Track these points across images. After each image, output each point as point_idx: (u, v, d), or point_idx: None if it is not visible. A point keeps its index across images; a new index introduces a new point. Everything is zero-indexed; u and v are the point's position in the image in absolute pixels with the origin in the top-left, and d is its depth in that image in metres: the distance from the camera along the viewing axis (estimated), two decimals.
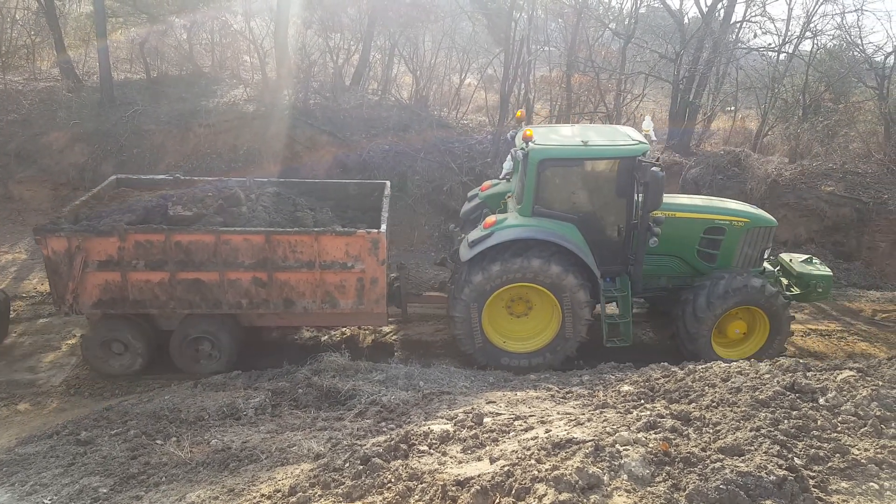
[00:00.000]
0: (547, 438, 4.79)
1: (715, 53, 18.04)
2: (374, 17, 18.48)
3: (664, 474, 4.26)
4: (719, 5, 18.48)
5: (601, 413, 5.56)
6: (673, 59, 18.37)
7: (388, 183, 11.63)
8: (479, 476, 4.52)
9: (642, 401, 6.14)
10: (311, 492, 5.17)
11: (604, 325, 9.72)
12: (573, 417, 5.54)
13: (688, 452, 4.42)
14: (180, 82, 18.45)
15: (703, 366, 6.67)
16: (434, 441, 5.61)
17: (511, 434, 5.37)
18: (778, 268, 11.01)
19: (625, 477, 4.21)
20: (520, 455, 4.64)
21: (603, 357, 9.59)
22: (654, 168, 8.91)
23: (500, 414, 6.09)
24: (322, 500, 5.06)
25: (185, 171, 15.72)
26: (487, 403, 6.77)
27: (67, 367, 10.07)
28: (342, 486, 5.18)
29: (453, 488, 4.51)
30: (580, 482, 4.09)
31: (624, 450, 4.42)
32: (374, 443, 5.86)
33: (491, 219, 9.71)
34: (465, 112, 19.79)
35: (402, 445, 5.61)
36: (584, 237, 9.54)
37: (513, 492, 4.20)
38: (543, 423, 5.53)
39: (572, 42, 19.12)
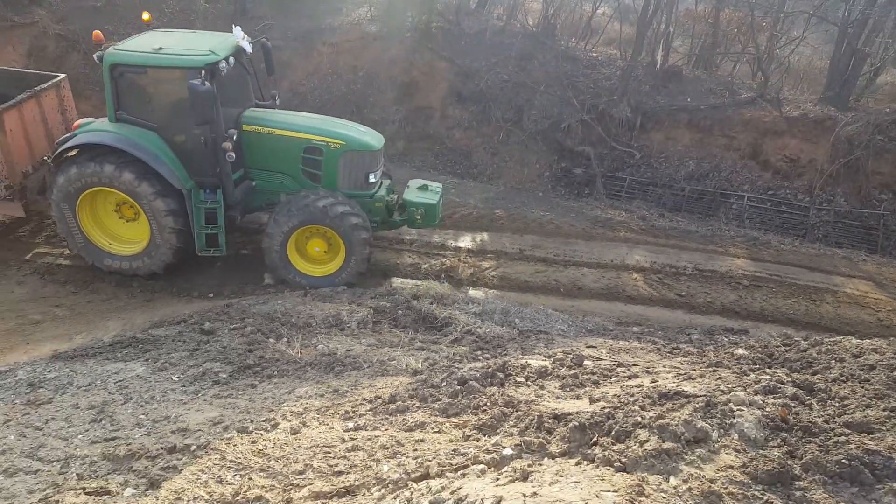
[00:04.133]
0: (653, 388, 4.67)
1: None
2: None
3: (779, 440, 4.06)
4: None
5: (714, 371, 5.35)
6: None
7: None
8: (577, 413, 4.50)
9: (758, 366, 5.84)
10: (409, 402, 5.38)
11: (195, 235, 9.74)
12: (682, 372, 5.37)
13: (809, 422, 4.17)
14: None
15: (832, 339, 6.23)
16: (531, 374, 5.63)
17: (613, 379, 5.29)
18: (394, 193, 11.05)
19: (735, 436, 4.04)
20: (622, 400, 4.57)
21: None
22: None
23: (602, 359, 6.00)
24: (419, 411, 5.25)
25: (307, 89, 16.13)
26: (588, 347, 6.70)
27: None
28: (439, 402, 5.35)
29: (550, 420, 4.53)
30: (686, 434, 3.97)
31: (738, 409, 4.24)
32: (471, 367, 5.96)
33: (78, 122, 9.80)
34: (594, 44, 18.67)
35: (498, 374, 5.68)
36: (167, 146, 9.39)
37: (612, 433, 4.15)
38: (649, 373, 5.40)
39: None
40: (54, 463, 5.07)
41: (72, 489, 4.60)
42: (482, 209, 13.36)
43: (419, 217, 10.55)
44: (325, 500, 4.14)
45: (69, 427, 5.65)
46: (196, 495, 4.40)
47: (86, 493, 4.52)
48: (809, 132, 15.72)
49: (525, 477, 3.79)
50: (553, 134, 15.54)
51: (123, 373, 6.73)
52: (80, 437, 5.49)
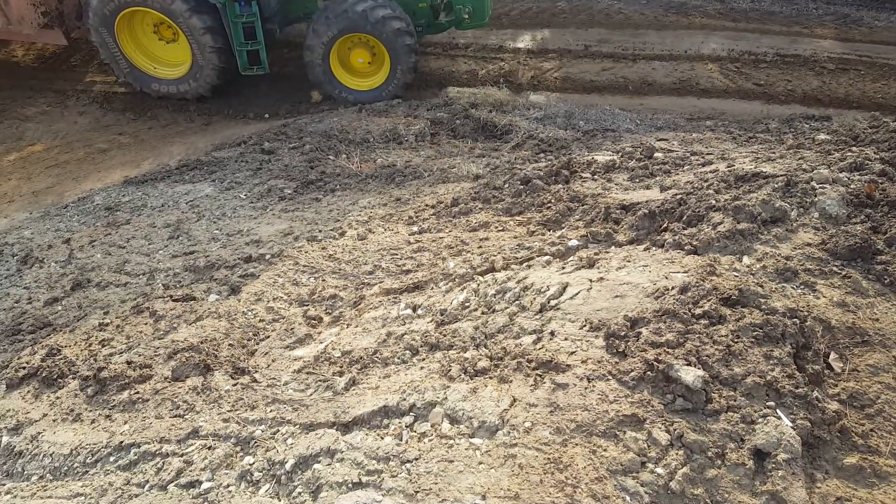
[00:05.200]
0: (729, 171, 4.41)
1: None
2: None
3: (863, 216, 3.83)
4: None
5: (796, 152, 5.00)
6: None
7: None
8: (646, 202, 4.34)
9: (842, 147, 5.42)
10: (472, 204, 5.35)
11: (236, 52, 9.25)
12: (761, 155, 5.04)
13: None
14: None
15: None
16: (598, 169, 5.44)
17: (686, 167, 5.04)
18: None
19: (815, 215, 3.83)
20: (695, 185, 4.36)
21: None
22: None
23: (673, 150, 5.70)
24: (482, 212, 5.23)
25: None
26: (658, 140, 6.35)
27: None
28: (501, 203, 5.29)
29: (617, 211, 4.41)
30: (763, 214, 3.79)
31: (820, 187, 3.98)
32: (535, 167, 5.81)
33: None
34: None
35: (563, 171, 5.51)
36: None
37: (683, 218, 4.01)
38: (724, 159, 5.10)
39: None
40: (140, 276, 5.43)
41: (159, 297, 4.95)
42: (542, 2, 12.31)
43: (467, 17, 9.72)
44: (395, 296, 4.29)
45: (149, 244, 5.97)
46: (275, 296, 4.65)
47: (173, 300, 4.85)
48: None
49: (591, 264, 3.77)
50: None
51: (193, 193, 6.95)
52: (160, 252, 5.81)
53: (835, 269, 3.49)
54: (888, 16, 12.49)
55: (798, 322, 3.03)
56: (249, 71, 9.51)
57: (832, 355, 3.08)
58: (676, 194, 4.28)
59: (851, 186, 4.01)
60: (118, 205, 6.92)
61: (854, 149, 4.87)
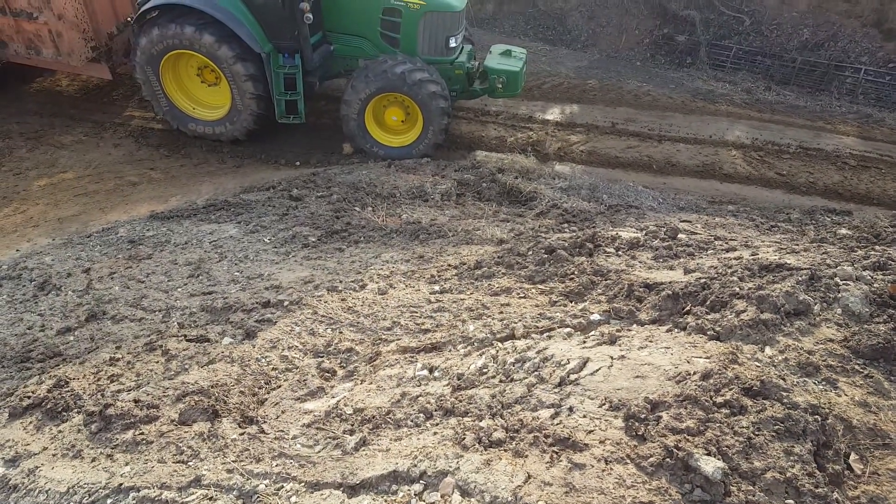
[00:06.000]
0: (753, 260, 4.42)
1: None
2: None
3: (885, 316, 3.79)
4: None
5: (819, 246, 5.01)
6: None
7: None
8: (670, 283, 4.35)
9: (864, 244, 5.43)
10: (494, 269, 5.37)
11: (275, 101, 9.61)
12: (784, 246, 5.05)
13: None
14: None
15: None
16: (622, 245, 5.46)
17: (710, 251, 5.06)
18: (476, 60, 10.54)
19: (839, 311, 3.81)
20: (719, 271, 4.37)
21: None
22: None
23: (697, 233, 5.74)
24: (505, 277, 5.24)
25: None
26: (682, 221, 6.40)
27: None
28: (525, 270, 5.31)
29: (640, 289, 4.41)
30: (787, 306, 3.77)
31: (843, 284, 3.97)
32: (559, 237, 5.85)
33: None
34: None
35: (587, 244, 5.54)
36: (245, 7, 9.08)
37: (707, 303, 4.00)
38: (748, 246, 5.12)
39: None
40: (156, 312, 5.45)
41: (173, 336, 4.95)
42: (574, 79, 12.64)
43: (500, 86, 10.02)
44: (412, 354, 4.27)
45: (169, 281, 6.02)
46: (290, 344, 4.65)
47: (187, 340, 4.85)
48: None
49: (613, 341, 3.75)
50: None
51: (217, 233, 7.04)
52: (179, 290, 5.85)
53: (857, 367, 3.45)
54: None
55: (819, 419, 2.97)
56: (285, 119, 9.80)
57: (853, 456, 3.00)
58: (700, 278, 4.29)
59: (875, 286, 3.99)
60: (142, 238, 7.02)
61: (877, 248, 4.88)
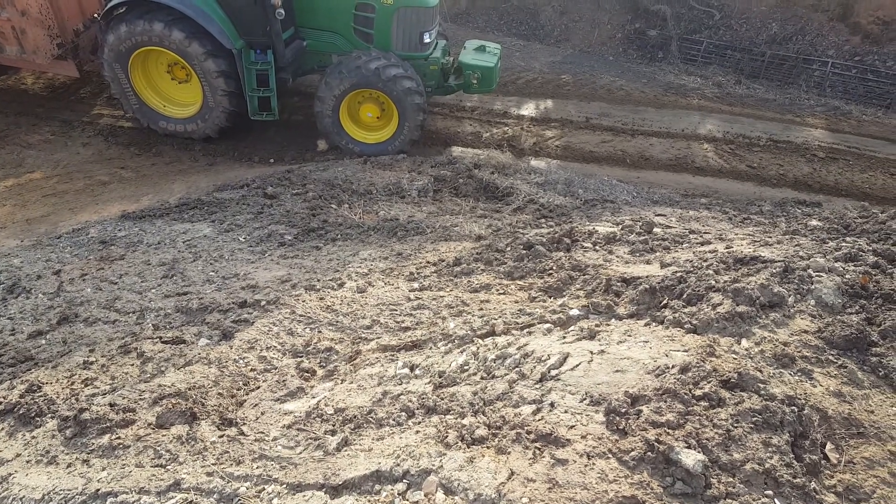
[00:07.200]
0: (728, 253, 4.49)
1: None
2: None
3: (858, 307, 3.88)
4: None
5: (792, 238, 5.10)
6: None
7: None
8: (647, 277, 4.39)
9: (834, 236, 5.55)
10: (473, 265, 5.37)
11: (248, 98, 9.50)
12: (758, 238, 5.14)
13: (890, 289, 3.96)
14: None
15: None
16: (599, 240, 5.50)
17: (685, 245, 5.12)
18: (451, 56, 10.59)
19: (812, 302, 3.89)
20: (695, 264, 4.42)
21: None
22: None
23: (672, 227, 5.80)
24: (484, 274, 5.25)
25: None
26: (657, 215, 6.47)
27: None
28: (503, 266, 5.32)
29: (618, 283, 4.45)
30: (761, 298, 3.83)
31: (816, 276, 4.05)
32: (537, 233, 5.87)
33: None
34: None
35: (565, 239, 5.57)
36: (216, 4, 8.99)
37: (684, 296, 4.04)
38: (722, 239, 5.19)
39: None
40: (130, 314, 5.34)
41: (148, 338, 4.85)
42: (548, 74, 12.71)
43: (475, 81, 10.05)
44: (392, 353, 4.26)
45: (142, 282, 5.91)
46: (268, 345, 4.59)
47: (162, 342, 4.76)
48: None
49: (592, 336, 3.77)
50: None
51: (191, 233, 6.93)
52: (153, 291, 5.74)
53: (831, 357, 3.52)
54: (875, 111, 13.02)
55: (796, 410, 3.03)
56: (259, 116, 9.68)
57: (829, 446, 3.07)
58: (676, 272, 4.33)
59: (846, 276, 4.08)
60: (113, 239, 6.88)
61: (848, 239, 4.98)
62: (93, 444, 3.62)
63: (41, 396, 4.08)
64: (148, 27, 8.90)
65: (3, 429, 3.91)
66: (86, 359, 4.64)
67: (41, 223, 7.85)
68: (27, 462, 3.59)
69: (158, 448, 3.53)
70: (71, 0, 9.78)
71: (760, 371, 3.26)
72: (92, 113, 10.84)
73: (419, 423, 3.35)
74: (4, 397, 4.10)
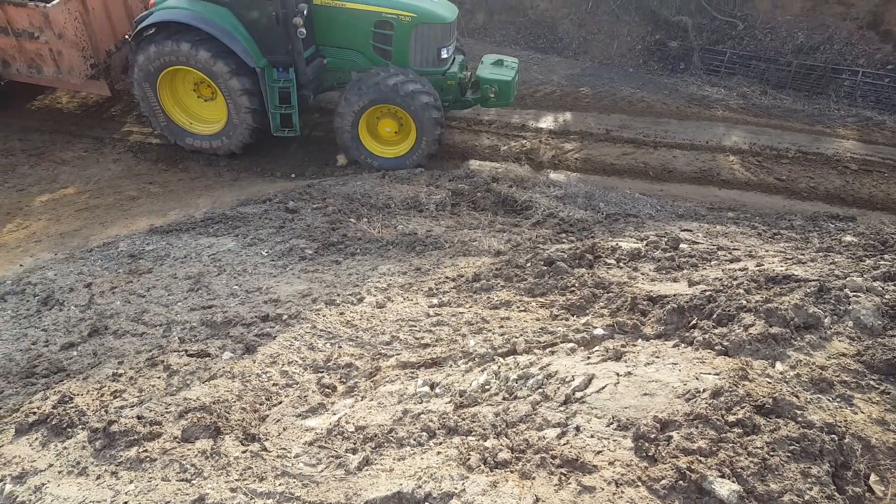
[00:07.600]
0: (759, 271, 4.37)
1: None
2: None
3: None
4: None
5: (826, 255, 4.96)
6: None
7: None
8: (674, 296, 4.29)
9: (871, 252, 5.39)
10: (493, 281, 5.31)
11: (270, 114, 9.65)
12: (790, 256, 5.00)
13: None
14: None
15: None
16: (623, 256, 5.41)
17: (713, 262, 5.00)
18: (468, 70, 10.61)
19: (850, 324, 3.76)
20: (725, 283, 4.31)
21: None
22: None
23: (699, 243, 5.69)
24: (504, 290, 5.18)
25: None
26: (682, 230, 6.36)
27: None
28: (524, 282, 5.26)
29: (644, 302, 4.35)
30: (796, 319, 3.71)
31: (854, 296, 3.92)
32: (558, 249, 5.79)
33: None
34: None
35: (587, 255, 5.49)
36: (240, 23, 9.17)
37: (714, 316, 3.94)
38: (753, 256, 5.07)
39: None
40: (157, 327, 5.38)
41: (175, 351, 4.88)
42: (566, 87, 12.63)
43: (493, 95, 10.05)
44: (412, 370, 4.21)
45: (169, 295, 5.95)
46: (290, 359, 4.58)
47: (188, 355, 4.79)
48: None
49: (618, 357, 3.69)
50: (647, 2, 14.21)
51: (216, 247, 6.98)
52: (179, 304, 5.78)
53: (872, 383, 3.39)
54: None
55: (836, 438, 2.91)
56: (281, 132, 9.82)
57: (873, 477, 2.94)
58: (705, 290, 4.23)
59: (886, 297, 3.95)
60: (142, 253, 6.96)
61: (886, 256, 4.83)
62: (121, 456, 3.63)
63: (72, 407, 4.12)
64: (176, 47, 9.12)
65: (37, 439, 3.95)
66: (115, 371, 4.69)
67: (74, 237, 8.00)
68: (59, 472, 3.62)
69: (184, 462, 3.53)
70: (103, 22, 10.13)
71: (797, 396, 3.14)
72: (122, 130, 11.05)
73: (440, 443, 3.29)
74: (38, 408, 4.16)
